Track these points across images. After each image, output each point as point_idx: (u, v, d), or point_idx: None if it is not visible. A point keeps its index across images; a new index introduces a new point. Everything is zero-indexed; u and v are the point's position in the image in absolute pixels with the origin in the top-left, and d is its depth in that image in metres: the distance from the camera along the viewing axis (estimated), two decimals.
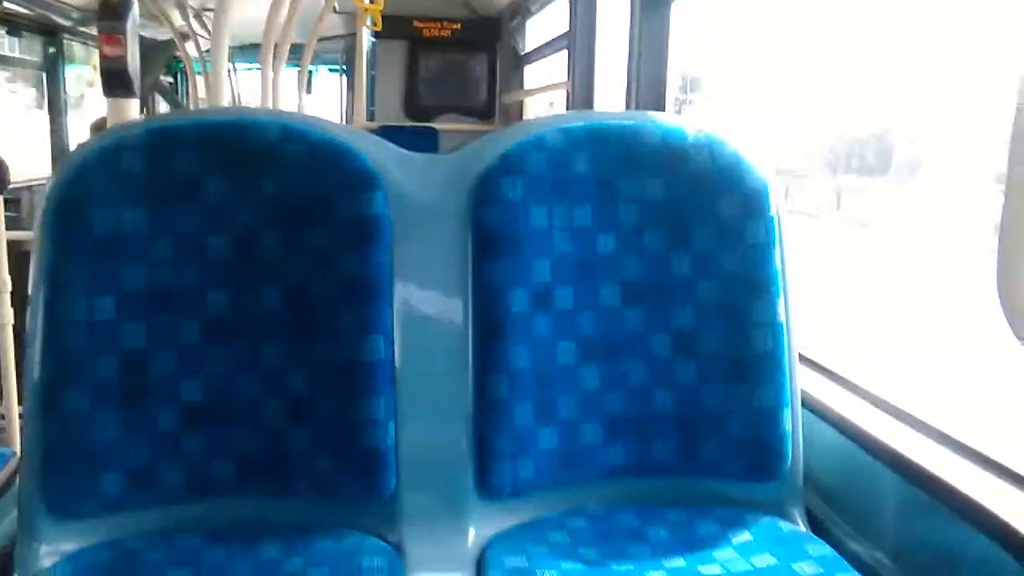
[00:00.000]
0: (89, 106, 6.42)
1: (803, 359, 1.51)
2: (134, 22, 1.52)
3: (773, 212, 1.43)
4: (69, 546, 1.29)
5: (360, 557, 1.26)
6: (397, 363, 1.35)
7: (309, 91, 8.77)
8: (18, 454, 2.49)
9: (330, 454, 1.33)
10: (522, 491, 1.38)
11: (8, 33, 4.85)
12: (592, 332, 1.41)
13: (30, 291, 1.29)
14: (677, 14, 2.46)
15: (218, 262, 1.35)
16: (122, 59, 1.51)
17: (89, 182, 1.30)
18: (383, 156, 1.40)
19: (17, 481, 2.46)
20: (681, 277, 1.43)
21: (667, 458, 1.43)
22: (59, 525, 1.29)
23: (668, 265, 1.43)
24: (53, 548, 1.28)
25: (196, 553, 1.28)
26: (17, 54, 5.20)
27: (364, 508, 1.36)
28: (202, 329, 1.34)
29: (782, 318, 1.42)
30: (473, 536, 1.36)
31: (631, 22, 2.53)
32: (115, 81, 1.54)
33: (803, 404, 1.45)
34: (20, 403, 3.08)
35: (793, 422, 1.42)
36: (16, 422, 3.05)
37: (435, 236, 1.40)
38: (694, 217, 1.43)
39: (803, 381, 1.47)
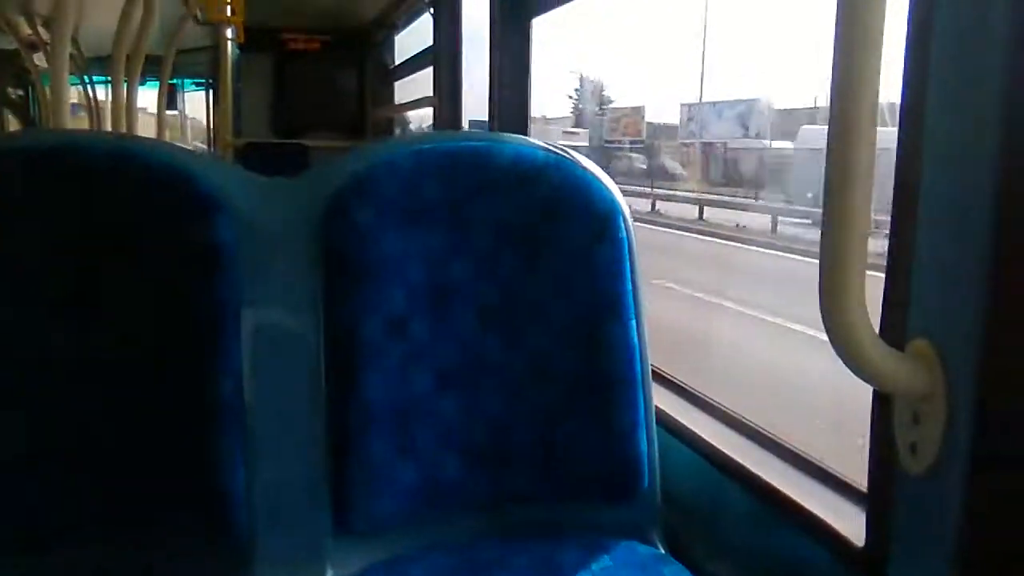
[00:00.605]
0: None
1: (656, 376, 1.53)
2: None
3: (624, 234, 1.44)
4: None
5: None
6: (248, 399, 1.29)
7: (173, 107, 8.44)
8: None
9: (181, 500, 1.26)
10: (381, 527, 1.34)
11: None
12: (450, 361, 1.39)
13: None
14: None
15: (57, 299, 1.25)
16: None
17: None
18: (227, 180, 1.34)
19: None
20: (536, 301, 1.42)
21: (529, 486, 1.41)
22: None
23: (524, 288, 1.42)
24: None
25: None
26: None
27: (217, 553, 1.29)
28: (46, 371, 1.24)
29: (636, 340, 1.43)
30: (331, 575, 1.31)
31: (490, 42, 2.53)
32: None
33: (658, 423, 1.47)
34: None
35: (649, 442, 1.43)
36: None
37: (285, 263, 1.35)
38: (546, 240, 1.43)
39: (658, 399, 1.49)
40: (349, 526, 1.32)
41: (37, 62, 6.24)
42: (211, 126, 8.79)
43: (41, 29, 5.67)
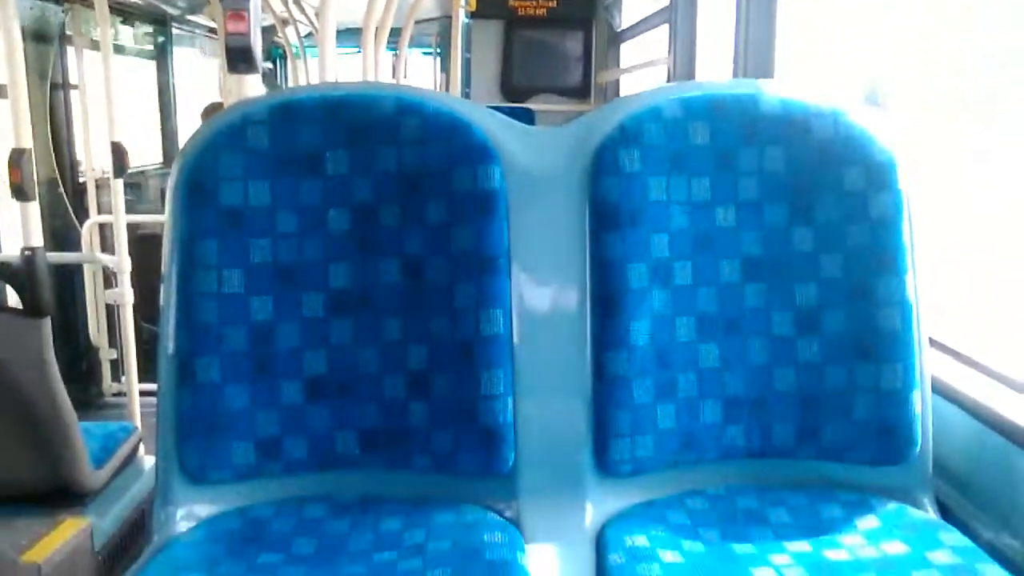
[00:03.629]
0: (195, 93, 6.64)
1: (933, 342, 1.44)
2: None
3: (901, 186, 1.37)
4: (203, 511, 1.33)
5: (480, 531, 1.26)
6: (515, 338, 1.35)
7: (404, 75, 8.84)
8: (139, 428, 2.62)
9: (449, 429, 1.34)
10: (640, 470, 1.36)
11: (122, 23, 5.04)
12: (711, 308, 1.38)
13: (163, 266, 1.34)
14: None
15: (338, 236, 1.37)
16: (246, 36, 1.55)
17: (216, 157, 1.33)
18: (498, 129, 1.39)
19: (139, 453, 2.59)
20: (803, 252, 1.38)
21: (788, 439, 1.38)
22: (194, 491, 1.34)
23: (790, 240, 1.38)
24: (188, 512, 1.33)
25: (320, 523, 1.31)
26: (131, 43, 5.41)
27: (483, 483, 1.36)
28: (325, 303, 1.36)
29: (911, 297, 1.35)
30: (591, 514, 1.35)
31: None
32: (238, 57, 1.57)
33: (933, 388, 1.38)
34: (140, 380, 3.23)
35: (922, 405, 1.35)
36: (136, 398, 3.21)
37: (551, 209, 1.39)
38: (817, 190, 1.38)
39: (933, 365, 1.41)
40: (610, 466, 1.35)
41: (289, 36, 6.76)
42: (438, 91, 9.17)
43: (292, 6, 6.14)
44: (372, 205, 1.37)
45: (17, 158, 2.19)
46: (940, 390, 1.42)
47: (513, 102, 5.25)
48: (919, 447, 1.35)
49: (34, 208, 2.22)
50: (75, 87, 4.29)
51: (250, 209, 1.33)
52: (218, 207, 1.32)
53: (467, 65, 5.41)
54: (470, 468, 1.35)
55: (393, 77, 6.45)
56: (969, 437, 1.38)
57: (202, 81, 6.92)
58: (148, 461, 2.63)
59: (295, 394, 1.35)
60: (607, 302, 1.35)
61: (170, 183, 1.35)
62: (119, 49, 4.90)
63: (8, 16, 2.27)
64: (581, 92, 5.33)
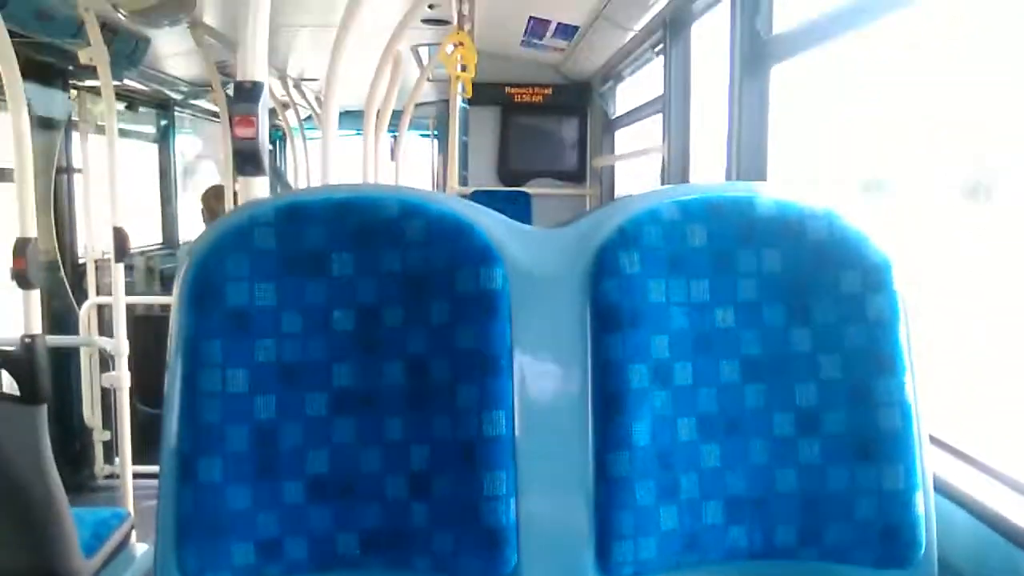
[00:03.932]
0: (197, 176, 6.74)
1: (934, 440, 1.45)
2: (265, 104, 1.60)
3: (896, 287, 1.39)
4: None
5: None
6: (517, 438, 1.35)
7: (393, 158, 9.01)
8: (132, 514, 2.58)
9: (451, 530, 1.33)
10: (643, 572, 1.35)
11: (127, 108, 5.16)
12: (712, 409, 1.39)
13: (168, 359, 1.35)
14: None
15: (342, 336, 1.38)
16: (254, 140, 1.59)
17: (223, 257, 1.36)
18: (501, 230, 1.42)
19: (131, 540, 2.55)
20: (802, 353, 1.40)
21: (791, 541, 1.38)
22: None
23: (788, 340, 1.40)
24: None
25: None
26: (135, 127, 5.53)
27: None
28: (328, 402, 1.36)
29: (910, 397, 1.36)
30: None
31: (730, 88, 2.53)
32: (247, 160, 1.61)
33: (936, 488, 1.38)
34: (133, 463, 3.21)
35: (926, 507, 1.35)
36: (130, 482, 3.17)
37: (553, 310, 1.40)
38: (814, 291, 1.40)
39: (934, 465, 1.41)
40: (612, 569, 1.34)
41: (289, 119, 6.91)
42: (435, 174, 9.32)
43: (293, 90, 6.30)
44: (376, 305, 1.39)
45: (22, 247, 2.22)
46: (943, 491, 1.42)
47: (510, 185, 5.35)
48: (924, 549, 1.35)
49: (36, 296, 2.24)
50: (79, 171, 4.36)
51: (256, 309, 1.35)
52: (224, 307, 1.34)
53: (464, 149, 5.53)
54: (472, 570, 1.34)
55: (392, 159, 6.58)
56: (974, 539, 1.38)
57: (203, 165, 7.03)
58: (140, 548, 2.59)
59: (297, 494, 1.34)
60: (609, 402, 1.36)
61: (176, 282, 1.37)
62: (124, 133, 4.99)
63: (18, 105, 2.33)
64: (577, 176, 5.43)
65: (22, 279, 2.22)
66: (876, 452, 1.35)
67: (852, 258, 1.39)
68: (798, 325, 1.40)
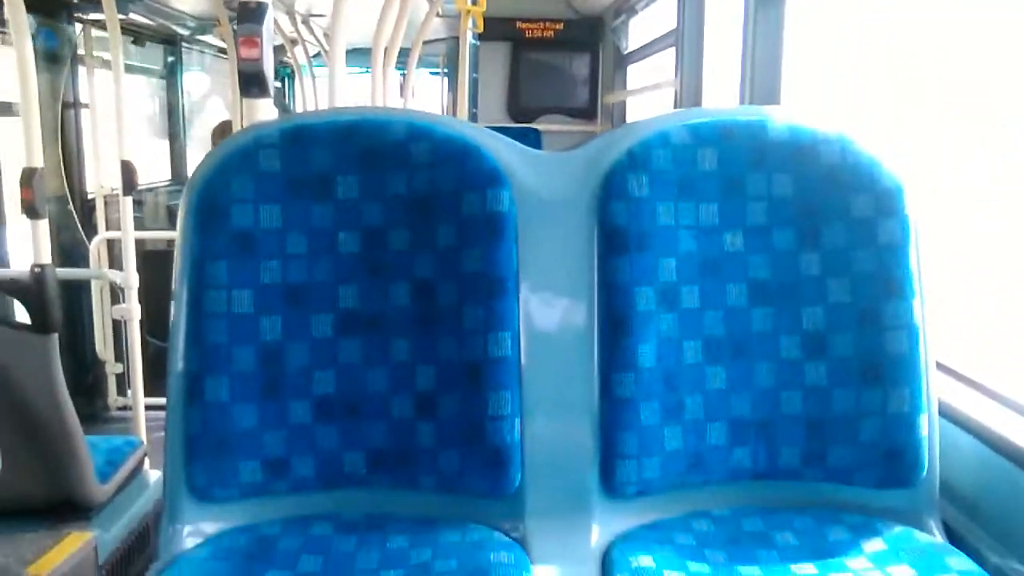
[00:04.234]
0: (205, 113, 6.69)
1: (940, 367, 1.45)
2: (269, 25, 1.58)
3: (908, 212, 1.38)
4: (209, 528, 1.34)
5: (487, 551, 1.27)
6: (522, 359, 1.36)
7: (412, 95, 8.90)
8: (144, 442, 2.62)
9: (456, 450, 1.35)
10: (647, 491, 1.37)
11: (133, 43, 5.09)
12: (718, 332, 1.39)
13: (173, 284, 1.35)
14: None
15: (348, 258, 1.38)
16: (258, 61, 1.57)
17: (228, 179, 1.35)
18: (508, 153, 1.41)
19: (144, 467, 2.59)
20: (811, 277, 1.39)
21: (795, 462, 1.39)
22: (201, 509, 1.34)
23: (797, 264, 1.39)
24: (194, 529, 1.34)
25: (327, 541, 1.31)
26: (141, 63, 5.47)
27: (489, 503, 1.37)
28: (334, 323, 1.37)
29: (918, 321, 1.36)
30: (597, 534, 1.35)
31: (745, 17, 2.47)
32: (251, 82, 1.59)
33: (940, 412, 1.39)
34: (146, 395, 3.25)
35: (929, 429, 1.36)
36: (142, 413, 3.21)
37: (560, 233, 1.40)
38: (824, 215, 1.39)
39: (940, 391, 1.41)
40: (616, 487, 1.36)
41: (297, 56, 6.82)
42: (444, 111, 9.22)
43: (301, 26, 6.20)
44: (382, 228, 1.38)
45: (29, 177, 2.21)
46: (947, 414, 1.42)
47: (520, 122, 5.29)
48: (926, 470, 1.36)
49: (44, 226, 2.24)
50: (86, 106, 4.33)
51: (261, 231, 1.35)
52: (229, 228, 1.34)
53: (474, 85, 5.45)
54: (477, 488, 1.36)
55: (401, 96, 6.50)
56: (976, 461, 1.39)
57: (211, 102, 6.98)
58: (153, 475, 2.64)
59: (303, 414, 1.36)
60: (615, 325, 1.36)
61: (182, 204, 1.37)
62: (130, 69, 4.94)
63: (22, 38, 2.30)
64: (588, 113, 5.36)
65: (30, 209, 2.22)
66: (882, 375, 1.35)
67: (864, 182, 1.38)
68: (807, 249, 1.39)
